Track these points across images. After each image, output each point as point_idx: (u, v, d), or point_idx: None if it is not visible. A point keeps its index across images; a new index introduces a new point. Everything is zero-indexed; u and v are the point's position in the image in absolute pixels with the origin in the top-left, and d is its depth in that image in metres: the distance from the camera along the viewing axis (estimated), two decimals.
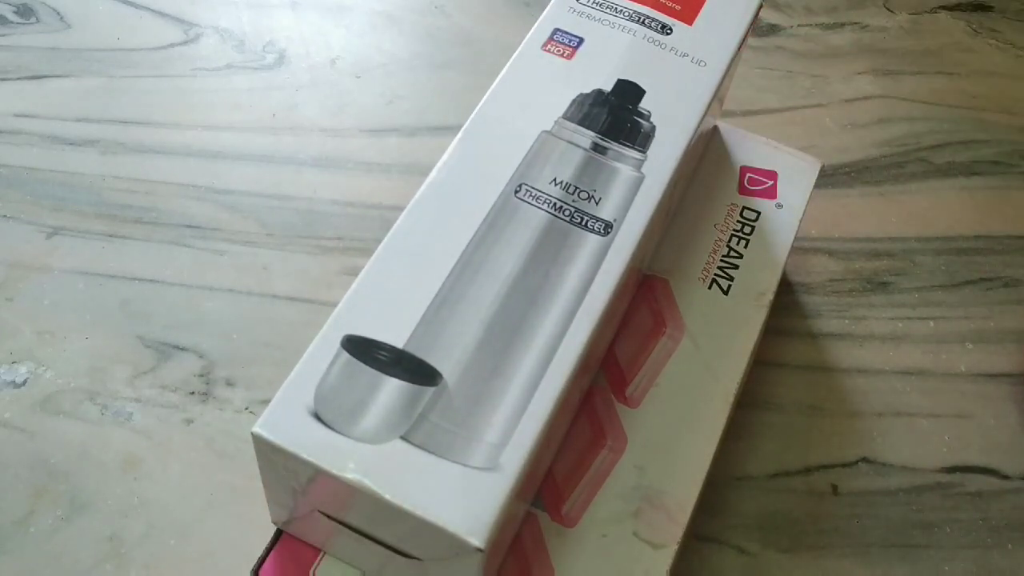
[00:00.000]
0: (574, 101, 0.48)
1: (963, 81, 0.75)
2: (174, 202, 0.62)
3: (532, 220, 0.44)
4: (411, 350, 0.39)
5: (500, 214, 0.44)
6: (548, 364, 0.40)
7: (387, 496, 0.36)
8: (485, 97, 0.48)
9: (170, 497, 0.50)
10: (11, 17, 0.71)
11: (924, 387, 0.57)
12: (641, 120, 0.48)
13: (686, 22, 0.51)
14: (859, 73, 0.74)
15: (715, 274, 0.52)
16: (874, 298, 0.61)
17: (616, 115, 0.48)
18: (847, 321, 0.60)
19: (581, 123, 0.47)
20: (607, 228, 0.44)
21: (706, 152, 0.56)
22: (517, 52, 0.49)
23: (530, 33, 0.50)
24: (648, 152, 0.47)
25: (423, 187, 0.45)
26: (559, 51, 0.49)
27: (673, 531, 0.43)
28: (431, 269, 0.42)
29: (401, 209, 0.43)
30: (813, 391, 0.56)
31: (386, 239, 0.43)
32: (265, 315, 0.57)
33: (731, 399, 0.47)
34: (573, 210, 0.44)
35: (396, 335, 0.40)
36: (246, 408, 0.53)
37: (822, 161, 0.57)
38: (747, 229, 0.53)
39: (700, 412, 0.47)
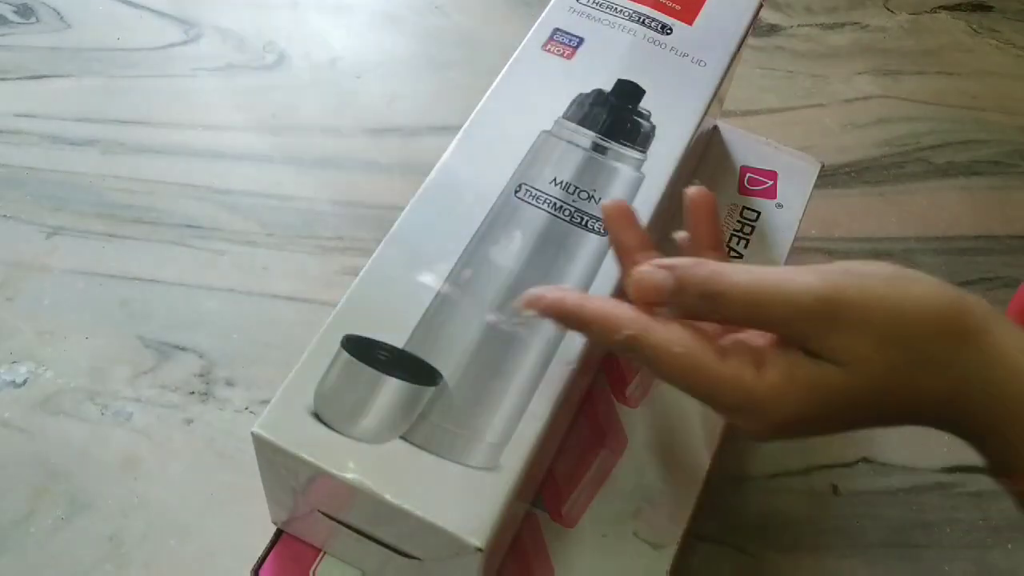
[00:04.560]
0: (574, 101, 0.48)
1: (963, 81, 0.75)
2: (174, 202, 0.62)
3: (532, 220, 0.44)
4: (411, 350, 0.39)
5: (500, 214, 0.44)
6: (548, 364, 0.40)
7: (387, 496, 0.36)
8: (485, 97, 0.48)
9: (170, 497, 0.50)
10: (11, 17, 0.71)
11: None
12: (641, 120, 0.48)
13: (686, 22, 0.51)
14: (859, 73, 0.74)
15: None
16: None
17: (616, 115, 0.48)
18: None
19: (581, 123, 0.47)
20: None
21: (706, 152, 0.56)
22: (517, 52, 0.49)
23: (530, 33, 0.50)
24: (648, 152, 0.47)
25: (423, 187, 0.45)
26: (559, 51, 0.49)
27: (673, 531, 0.43)
28: (431, 269, 0.42)
29: (401, 209, 0.43)
30: None
31: (386, 239, 0.43)
32: (265, 315, 0.57)
33: None
34: (573, 210, 0.44)
35: (396, 335, 0.40)
36: (246, 408, 0.53)
37: (822, 161, 0.57)
38: (747, 229, 0.53)
39: (700, 412, 0.47)
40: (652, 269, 0.33)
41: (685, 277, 0.33)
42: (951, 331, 0.31)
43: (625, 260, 0.38)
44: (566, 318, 0.35)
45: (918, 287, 0.32)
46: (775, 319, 0.32)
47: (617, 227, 0.38)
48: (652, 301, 0.33)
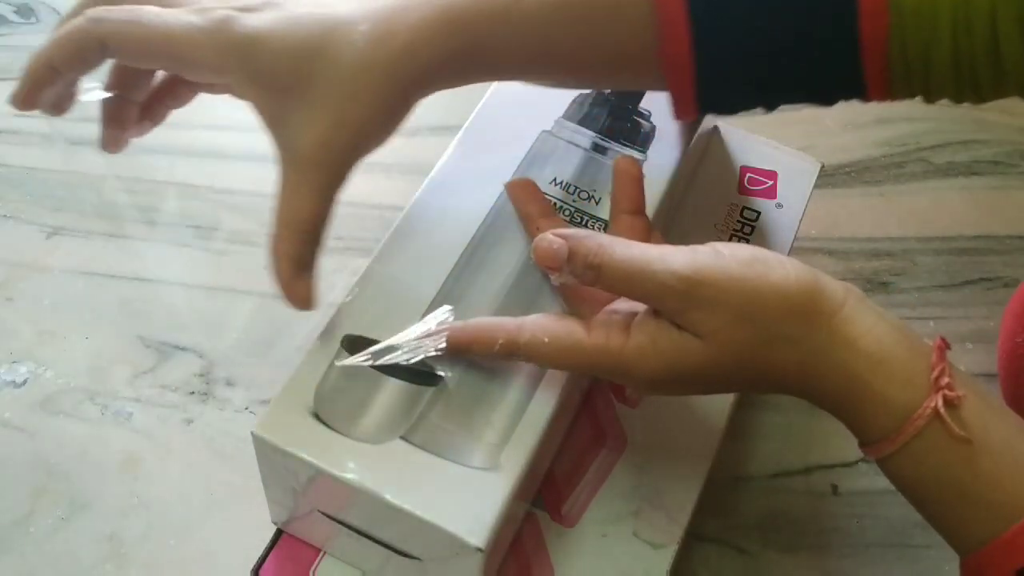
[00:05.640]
0: (574, 101, 0.48)
1: None
2: (174, 202, 0.62)
3: None
4: None
5: (500, 214, 0.44)
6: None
7: (387, 496, 0.36)
8: (485, 97, 0.48)
9: (170, 497, 0.50)
10: (11, 17, 0.71)
11: None
12: (641, 120, 0.48)
13: None
14: None
15: None
16: (874, 298, 0.61)
17: (616, 115, 0.48)
18: None
19: (581, 123, 0.47)
20: (607, 228, 0.44)
21: (706, 152, 0.56)
22: None
23: None
24: (648, 152, 0.47)
25: (423, 187, 0.45)
26: None
27: (673, 531, 0.43)
28: (431, 269, 0.42)
29: (401, 209, 0.43)
30: None
31: (386, 239, 0.43)
32: (265, 315, 0.57)
33: (731, 399, 0.47)
34: (573, 210, 0.44)
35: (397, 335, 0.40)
36: (246, 408, 0.53)
37: (822, 161, 0.57)
38: (747, 229, 0.53)
39: (700, 412, 0.47)
40: (550, 237, 0.36)
41: (575, 247, 0.36)
42: (802, 312, 0.35)
43: (530, 227, 0.42)
44: (452, 348, 0.38)
45: (776, 272, 0.35)
46: (645, 294, 0.36)
47: (521, 200, 0.43)
48: (549, 266, 0.37)
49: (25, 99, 0.40)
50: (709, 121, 0.52)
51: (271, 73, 0.37)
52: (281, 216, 0.39)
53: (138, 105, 0.44)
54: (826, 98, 0.42)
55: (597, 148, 0.47)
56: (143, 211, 0.61)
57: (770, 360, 0.35)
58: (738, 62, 0.40)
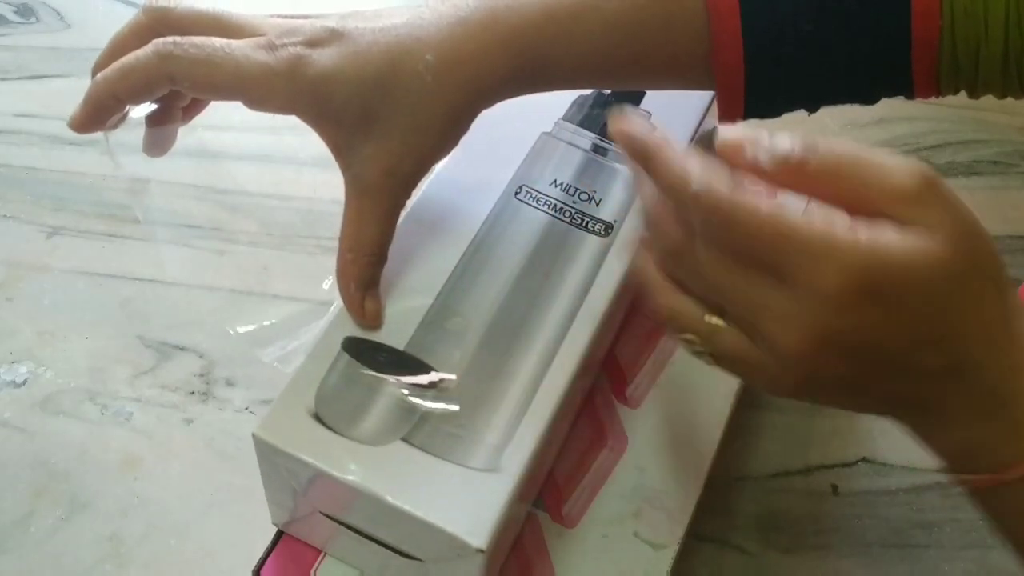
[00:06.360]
0: (574, 102, 0.48)
1: None
2: (174, 202, 0.62)
3: (532, 221, 0.44)
4: (412, 352, 0.39)
5: (500, 215, 0.44)
6: (549, 365, 0.40)
7: (388, 498, 0.36)
8: None
9: (170, 497, 0.50)
10: (11, 17, 0.71)
11: None
12: None
13: None
14: None
15: None
16: None
17: None
18: None
19: (581, 124, 0.47)
20: (607, 229, 0.44)
21: (706, 152, 0.56)
22: None
23: None
24: None
25: (424, 188, 0.45)
26: None
27: (674, 531, 0.43)
28: (432, 271, 0.42)
29: None
30: None
31: None
32: (265, 315, 0.57)
33: (731, 399, 0.47)
34: (573, 211, 0.44)
35: (397, 337, 0.40)
36: (246, 408, 0.53)
37: None
38: None
39: (700, 412, 0.47)
40: (741, 128, 0.32)
41: (777, 134, 0.32)
42: (1001, 266, 0.30)
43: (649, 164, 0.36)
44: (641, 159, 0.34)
45: None
46: (869, 180, 0.29)
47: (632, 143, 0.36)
48: (736, 153, 0.32)
49: (86, 125, 0.40)
50: (709, 121, 0.52)
51: (341, 110, 0.38)
52: (347, 240, 0.40)
53: (181, 108, 0.44)
54: (871, 98, 0.42)
55: (597, 149, 0.47)
56: (143, 211, 0.61)
57: (978, 294, 0.30)
58: (789, 67, 0.40)
